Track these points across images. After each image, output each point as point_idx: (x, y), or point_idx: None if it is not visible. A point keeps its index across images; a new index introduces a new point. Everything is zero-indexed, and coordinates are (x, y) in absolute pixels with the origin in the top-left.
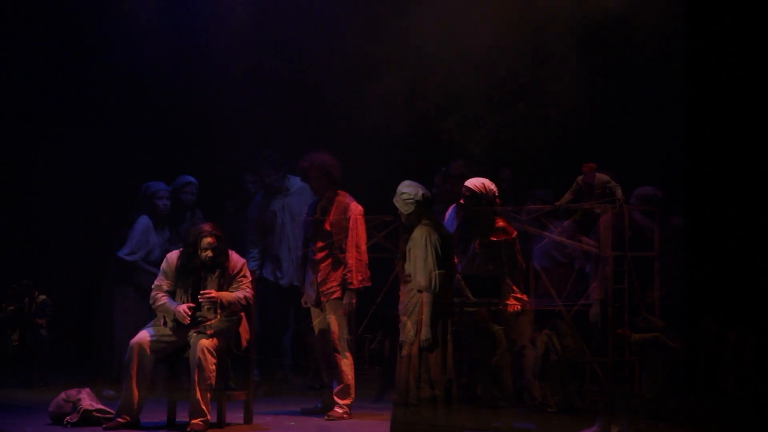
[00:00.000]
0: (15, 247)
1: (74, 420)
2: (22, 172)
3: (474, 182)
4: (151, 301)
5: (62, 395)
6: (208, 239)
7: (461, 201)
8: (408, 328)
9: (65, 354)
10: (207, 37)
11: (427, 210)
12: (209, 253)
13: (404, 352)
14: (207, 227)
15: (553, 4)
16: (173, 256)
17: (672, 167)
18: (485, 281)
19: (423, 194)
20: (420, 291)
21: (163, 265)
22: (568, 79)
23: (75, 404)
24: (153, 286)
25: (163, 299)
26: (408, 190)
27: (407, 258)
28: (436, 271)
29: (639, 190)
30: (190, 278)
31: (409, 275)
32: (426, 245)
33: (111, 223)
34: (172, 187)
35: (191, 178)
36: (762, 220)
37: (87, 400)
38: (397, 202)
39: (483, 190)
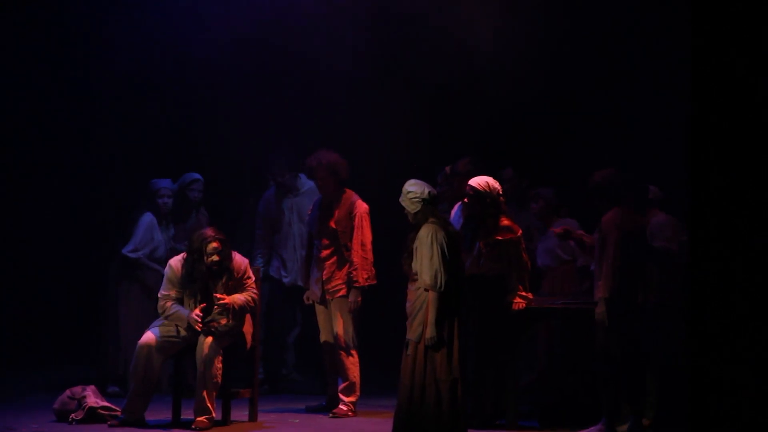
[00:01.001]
0: (18, 245)
1: (79, 417)
2: (25, 169)
3: (478, 181)
4: (159, 311)
5: (67, 392)
6: (214, 244)
7: (466, 200)
8: (414, 327)
9: (70, 351)
10: (215, 36)
11: (433, 208)
12: (215, 258)
13: (409, 351)
14: (210, 232)
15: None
16: (177, 263)
17: (677, 167)
18: (490, 281)
19: (429, 192)
20: (426, 290)
21: (168, 273)
22: (569, 77)
23: (80, 401)
24: (160, 296)
25: (173, 308)
26: (414, 189)
27: (414, 257)
28: (442, 270)
29: None
30: (197, 284)
31: (416, 274)
32: (432, 243)
33: (116, 219)
34: (179, 184)
35: (197, 175)
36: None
37: (92, 397)
38: (404, 201)
39: (487, 189)
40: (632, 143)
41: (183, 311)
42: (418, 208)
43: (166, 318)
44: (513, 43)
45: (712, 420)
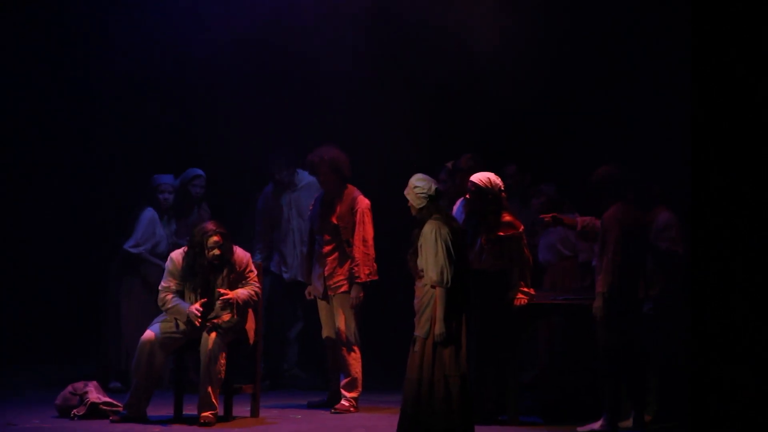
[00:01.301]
0: (18, 245)
1: (81, 413)
2: (25, 169)
3: (479, 177)
4: (160, 303)
5: (69, 388)
6: (215, 238)
7: (467, 196)
8: (422, 323)
9: (71, 347)
10: (215, 35)
11: (438, 204)
12: (217, 252)
13: (416, 348)
14: (211, 226)
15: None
16: (178, 256)
17: (677, 167)
18: (492, 276)
19: (435, 189)
20: (433, 286)
21: (169, 265)
22: (569, 77)
23: (82, 397)
24: (160, 288)
25: (173, 301)
26: (421, 184)
27: (419, 253)
28: (448, 266)
29: None
30: (198, 278)
31: (422, 270)
32: (436, 240)
33: (116, 219)
34: (180, 179)
35: (200, 171)
36: None
37: (94, 393)
38: (409, 194)
39: (488, 185)
40: (632, 143)
41: (183, 305)
42: (423, 204)
43: (166, 311)
44: (513, 43)
45: (713, 417)
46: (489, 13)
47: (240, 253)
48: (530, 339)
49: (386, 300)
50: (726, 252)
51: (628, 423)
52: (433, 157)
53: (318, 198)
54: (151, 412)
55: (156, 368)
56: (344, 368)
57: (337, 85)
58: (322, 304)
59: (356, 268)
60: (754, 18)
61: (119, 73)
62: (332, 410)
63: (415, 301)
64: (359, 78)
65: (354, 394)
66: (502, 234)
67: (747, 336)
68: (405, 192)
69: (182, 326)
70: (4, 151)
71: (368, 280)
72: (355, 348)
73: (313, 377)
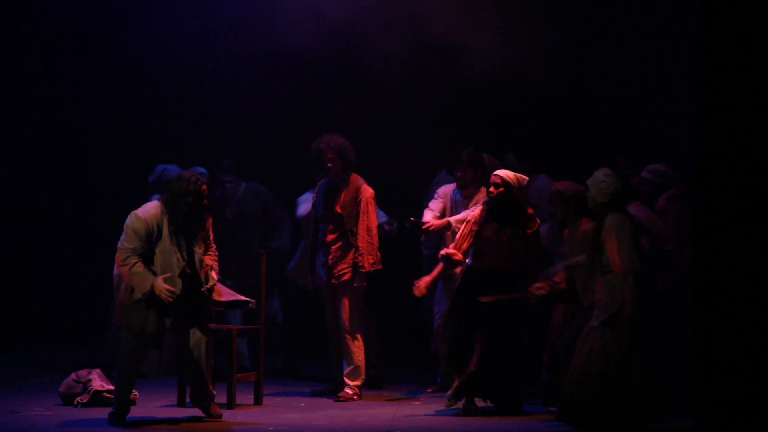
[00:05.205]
0: (26, 232)
1: (84, 401)
2: (34, 154)
3: (507, 173)
4: (120, 264)
5: (73, 376)
6: (204, 186)
7: (491, 189)
8: (602, 314)
9: (76, 335)
10: (216, 36)
11: (618, 202)
12: (206, 201)
13: (594, 340)
14: (192, 174)
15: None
16: (150, 216)
17: (677, 166)
18: (500, 274)
19: (620, 188)
20: (623, 276)
21: (135, 224)
22: (569, 76)
23: (85, 385)
24: (122, 247)
25: (140, 267)
26: (609, 180)
27: (603, 246)
28: (635, 254)
29: (649, 167)
30: (182, 237)
31: (607, 264)
32: (624, 230)
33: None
34: None
35: (203, 169)
36: None
37: (97, 381)
38: (593, 187)
39: (515, 183)
40: (632, 143)
41: (149, 276)
42: (606, 200)
43: (129, 275)
44: (513, 43)
45: (715, 409)
46: (490, 14)
47: None
48: (539, 329)
49: (390, 289)
50: (728, 249)
51: None
52: (432, 159)
53: (321, 185)
54: (154, 401)
55: (140, 364)
56: (347, 356)
57: (337, 86)
58: (325, 293)
59: (360, 258)
60: (758, 17)
61: (119, 73)
62: (335, 398)
63: (597, 294)
64: (358, 79)
65: (357, 382)
66: (529, 231)
67: (750, 328)
68: (588, 182)
69: (137, 295)
70: (4, 151)
71: (372, 269)
72: (358, 336)
73: (318, 365)
